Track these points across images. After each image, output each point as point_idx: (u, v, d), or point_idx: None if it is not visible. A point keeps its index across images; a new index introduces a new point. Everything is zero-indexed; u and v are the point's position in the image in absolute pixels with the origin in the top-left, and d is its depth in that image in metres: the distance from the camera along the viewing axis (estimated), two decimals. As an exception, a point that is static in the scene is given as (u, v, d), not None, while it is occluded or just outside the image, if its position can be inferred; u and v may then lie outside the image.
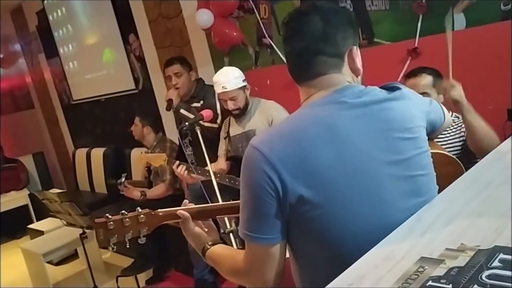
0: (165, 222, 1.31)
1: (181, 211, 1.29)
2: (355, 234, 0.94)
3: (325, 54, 1.04)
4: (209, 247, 1.25)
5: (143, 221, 1.28)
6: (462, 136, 2.07)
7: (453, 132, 2.10)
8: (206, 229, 1.32)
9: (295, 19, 1.07)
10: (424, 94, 2.00)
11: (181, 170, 2.67)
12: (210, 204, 1.39)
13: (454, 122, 2.10)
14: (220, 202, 1.95)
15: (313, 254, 1.01)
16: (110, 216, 1.25)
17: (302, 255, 1.05)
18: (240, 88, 2.62)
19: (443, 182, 1.10)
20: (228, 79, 2.59)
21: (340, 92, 1.04)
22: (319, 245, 0.98)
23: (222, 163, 2.82)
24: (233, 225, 1.79)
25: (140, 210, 1.29)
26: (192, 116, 2.78)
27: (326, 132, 0.99)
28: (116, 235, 1.25)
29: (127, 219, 1.26)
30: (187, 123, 2.46)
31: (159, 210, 1.31)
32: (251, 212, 1.00)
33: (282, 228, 1.00)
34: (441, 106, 1.30)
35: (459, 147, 2.07)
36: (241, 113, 2.70)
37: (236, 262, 1.11)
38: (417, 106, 1.12)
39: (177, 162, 2.69)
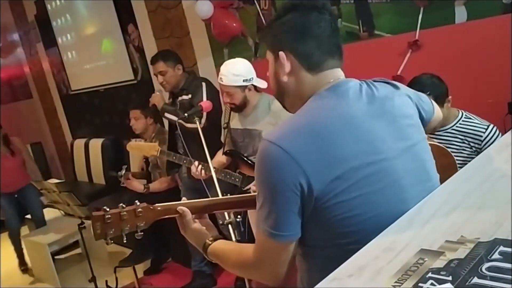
0: (163, 217, 1.28)
1: (181, 207, 1.26)
2: (378, 219, 0.93)
3: (340, 47, 1.10)
4: (210, 243, 1.23)
5: (141, 215, 1.25)
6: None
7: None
8: (203, 226, 1.29)
9: (325, 6, 1.08)
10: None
11: (199, 170, 2.62)
12: (209, 199, 1.36)
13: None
14: (220, 196, 1.94)
15: (329, 247, 0.99)
16: (108, 209, 1.22)
17: (315, 250, 1.03)
18: (237, 86, 2.52)
19: (440, 173, 1.13)
20: (227, 73, 2.51)
21: (346, 84, 1.07)
22: (339, 235, 0.97)
23: (221, 156, 2.77)
24: (232, 216, 1.78)
25: (138, 203, 1.26)
26: (176, 119, 2.73)
27: (343, 122, 1.00)
28: (113, 229, 1.22)
29: (124, 213, 1.23)
30: (186, 114, 2.45)
31: (157, 204, 1.27)
32: (274, 210, 0.98)
33: (301, 224, 0.99)
34: (430, 100, 1.30)
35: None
36: (237, 109, 2.63)
37: (244, 256, 1.10)
38: (407, 94, 1.16)
39: (196, 162, 2.63)
